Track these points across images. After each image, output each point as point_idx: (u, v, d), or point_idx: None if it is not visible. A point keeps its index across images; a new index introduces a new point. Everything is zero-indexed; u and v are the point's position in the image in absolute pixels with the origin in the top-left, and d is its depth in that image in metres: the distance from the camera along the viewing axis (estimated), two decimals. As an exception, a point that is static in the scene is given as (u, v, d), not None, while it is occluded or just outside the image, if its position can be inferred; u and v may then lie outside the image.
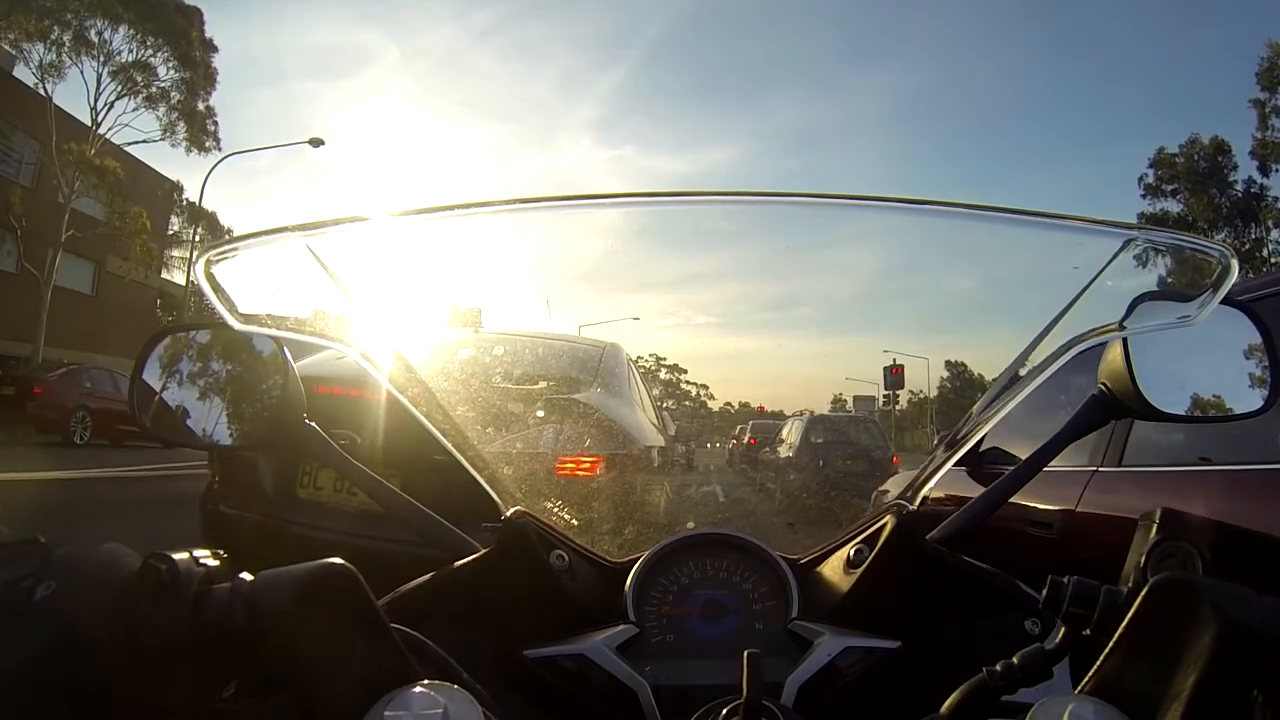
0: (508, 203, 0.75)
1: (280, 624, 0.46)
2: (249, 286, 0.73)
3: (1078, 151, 61.03)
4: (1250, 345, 0.86)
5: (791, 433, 10.96)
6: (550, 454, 2.69)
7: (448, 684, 0.50)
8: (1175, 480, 2.00)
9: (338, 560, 0.50)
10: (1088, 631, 0.54)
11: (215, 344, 0.86)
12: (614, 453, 2.89)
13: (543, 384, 3.19)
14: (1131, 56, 56.54)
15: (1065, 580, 0.56)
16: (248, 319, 0.73)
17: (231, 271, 0.72)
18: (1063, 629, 0.57)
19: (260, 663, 0.46)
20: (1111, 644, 0.49)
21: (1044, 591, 0.56)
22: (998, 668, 0.58)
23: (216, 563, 0.48)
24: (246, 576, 0.48)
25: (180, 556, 0.46)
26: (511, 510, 0.82)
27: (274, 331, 0.76)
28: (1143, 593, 0.48)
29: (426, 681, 0.49)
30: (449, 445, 0.86)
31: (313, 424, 0.83)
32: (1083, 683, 0.50)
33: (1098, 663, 0.50)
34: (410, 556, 0.79)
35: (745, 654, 0.56)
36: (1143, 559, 0.59)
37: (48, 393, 13.63)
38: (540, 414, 2.85)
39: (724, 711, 0.57)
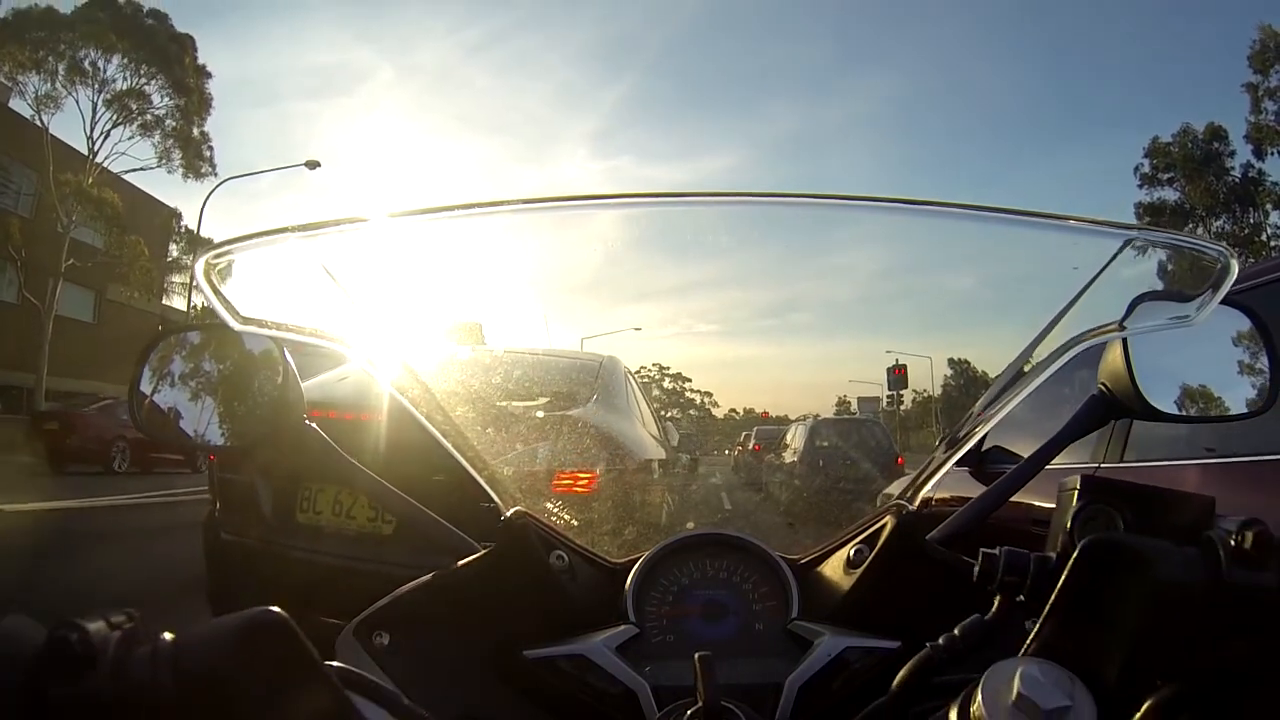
0: (506, 203, 0.75)
1: (209, 684, 0.42)
2: (249, 288, 0.72)
3: (1073, 144, 61.46)
4: (1241, 336, 0.86)
5: (796, 437, 10.97)
6: (547, 470, 2.69)
7: None
8: (1176, 474, 2.00)
9: (268, 608, 0.47)
10: (1021, 598, 0.57)
11: (215, 346, 0.86)
12: (611, 467, 2.89)
13: (541, 399, 3.18)
14: (1124, 48, 56.79)
15: (997, 551, 0.58)
16: (247, 320, 0.72)
17: (231, 273, 0.72)
18: (998, 598, 0.59)
19: None
20: (1048, 607, 0.51)
21: (977, 565, 0.58)
22: (940, 641, 0.60)
23: (133, 624, 0.43)
24: (168, 636, 0.44)
25: (93, 625, 0.41)
26: (511, 511, 0.81)
27: (274, 333, 0.75)
28: (1073, 557, 0.51)
29: None
30: (448, 445, 0.86)
31: (313, 425, 0.82)
32: (1025, 646, 0.52)
33: (1036, 626, 0.52)
34: (409, 579, 0.78)
35: (696, 657, 0.57)
36: (1068, 524, 0.62)
37: (88, 426, 14.55)
38: (538, 429, 2.84)
39: (688, 713, 0.58)
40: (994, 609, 0.59)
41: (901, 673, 0.60)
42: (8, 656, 0.40)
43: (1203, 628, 0.47)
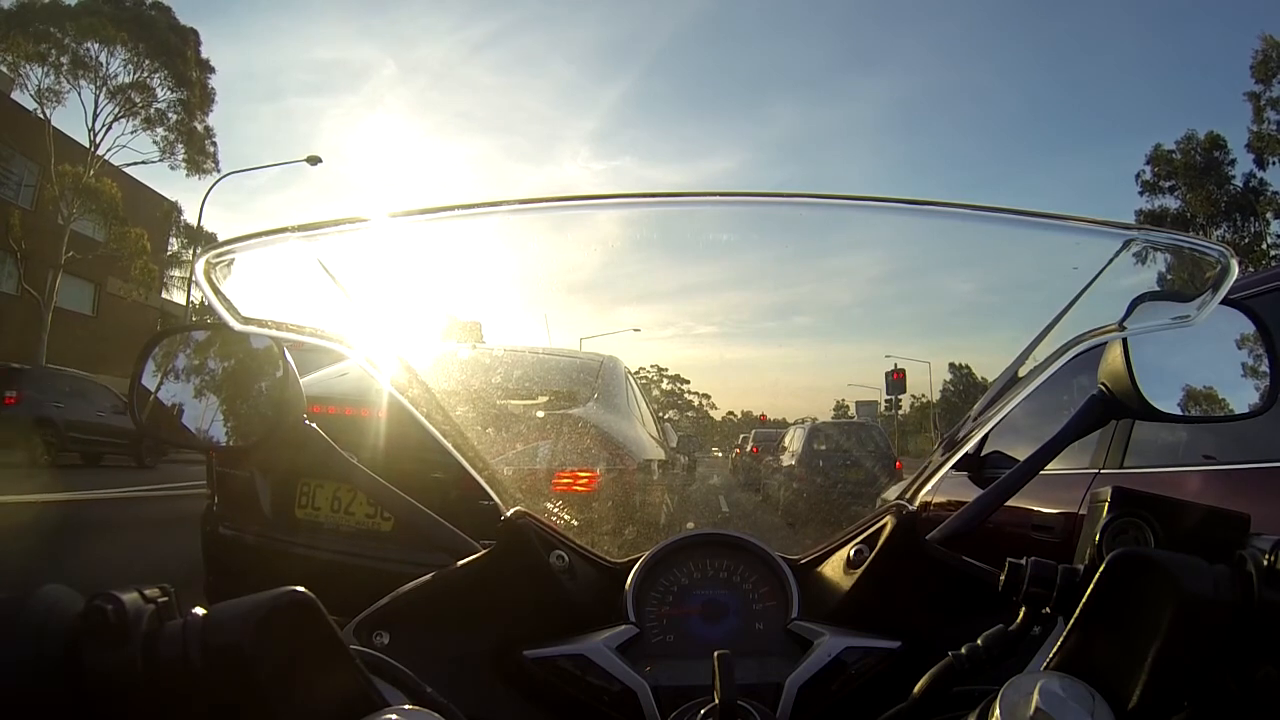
0: (506, 203, 0.75)
1: (236, 659, 0.44)
2: (249, 287, 0.73)
3: (1076, 150, 61.43)
4: (1245, 338, 0.86)
5: (794, 440, 10.95)
6: (547, 469, 2.69)
7: (418, 709, 0.50)
8: (1176, 480, 2.00)
9: (296, 588, 0.48)
10: (1048, 610, 0.56)
11: (215, 345, 0.86)
12: (611, 467, 2.89)
13: (541, 398, 3.19)
14: (1128, 54, 56.89)
15: (1024, 561, 0.57)
16: (247, 320, 0.72)
17: (231, 273, 0.72)
18: (1023, 610, 0.59)
19: (218, 702, 0.43)
20: (1073, 620, 0.51)
21: (1003, 575, 0.58)
22: (963, 651, 0.60)
23: (166, 598, 0.45)
24: (199, 611, 0.45)
25: (128, 597, 0.43)
26: (512, 511, 0.81)
27: (273, 332, 0.76)
28: (1100, 569, 0.50)
29: (400, 708, 0.48)
30: (448, 445, 0.86)
31: (313, 425, 0.82)
32: (1048, 659, 0.51)
33: (1060, 639, 0.51)
34: (408, 576, 0.78)
35: (716, 655, 0.57)
36: (1097, 536, 0.61)
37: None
38: (538, 428, 2.84)
39: (701, 712, 0.58)
40: (1019, 620, 0.59)
41: (923, 680, 0.60)
42: (46, 624, 0.41)
43: (1231, 648, 0.46)
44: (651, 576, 0.83)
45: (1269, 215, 25.20)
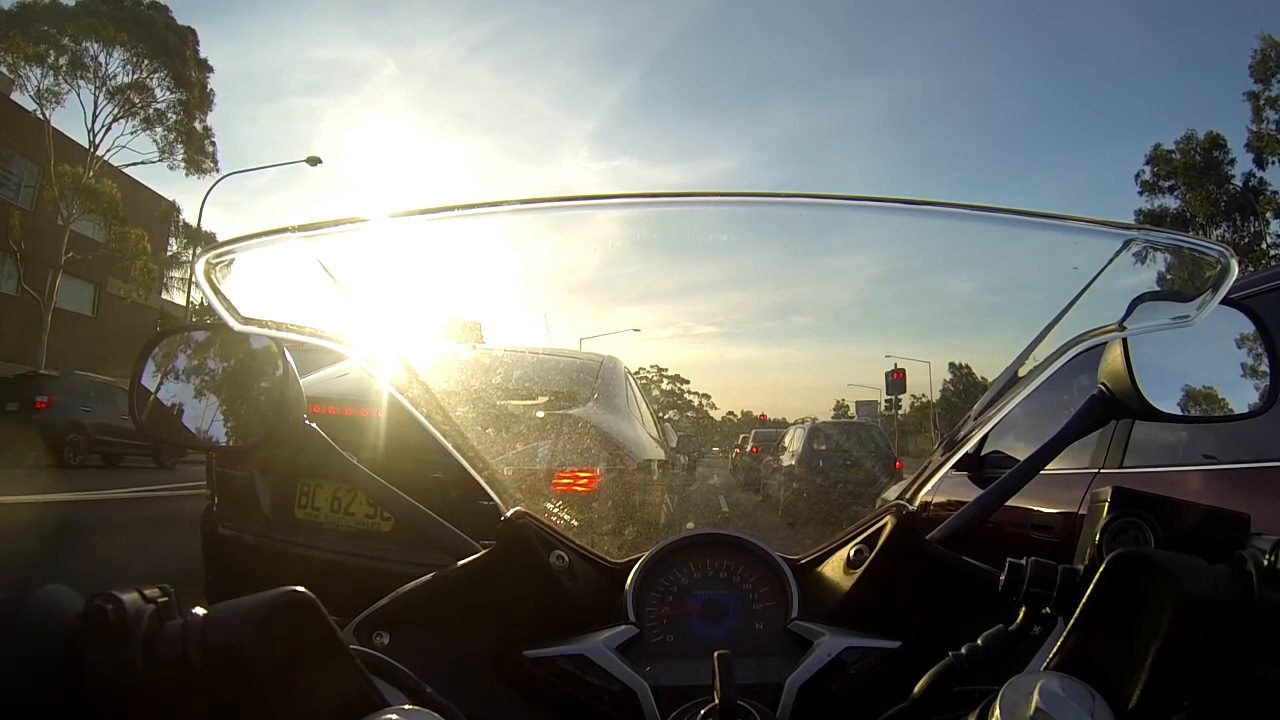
0: (506, 203, 0.76)
1: (236, 659, 0.43)
2: (249, 288, 0.73)
3: (1076, 150, 61.43)
4: (1245, 338, 0.86)
5: (794, 440, 10.95)
6: (547, 469, 2.69)
7: (418, 709, 0.50)
8: (1176, 480, 2.00)
9: (296, 588, 0.48)
10: (1048, 610, 0.56)
11: (215, 345, 0.86)
12: (611, 467, 2.89)
13: (541, 398, 3.19)
14: (1128, 54, 56.89)
15: (1024, 561, 0.57)
16: (247, 320, 0.72)
17: (231, 273, 0.72)
18: (1023, 610, 0.59)
19: (218, 702, 0.43)
20: (1073, 620, 0.51)
21: (1003, 575, 0.58)
22: (963, 651, 0.60)
23: (166, 598, 0.45)
24: (199, 611, 0.45)
25: (128, 596, 0.43)
26: (511, 510, 0.81)
27: (273, 333, 0.76)
28: (1100, 569, 0.50)
29: (400, 708, 0.48)
30: (448, 445, 0.86)
31: (313, 425, 0.83)
32: (1048, 659, 0.51)
33: (1060, 639, 0.51)
34: (408, 576, 0.78)
35: (716, 656, 0.57)
36: (1097, 536, 0.61)
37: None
38: (538, 429, 2.84)
39: (701, 712, 0.58)
40: (1019, 620, 0.59)
41: (923, 680, 0.60)
42: (46, 624, 0.41)
43: (1231, 648, 0.46)
44: (651, 576, 0.83)
45: (1269, 215, 25.20)
